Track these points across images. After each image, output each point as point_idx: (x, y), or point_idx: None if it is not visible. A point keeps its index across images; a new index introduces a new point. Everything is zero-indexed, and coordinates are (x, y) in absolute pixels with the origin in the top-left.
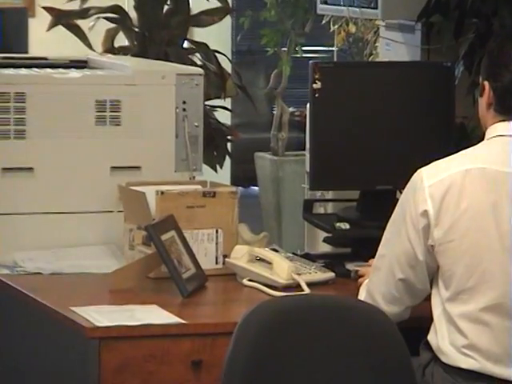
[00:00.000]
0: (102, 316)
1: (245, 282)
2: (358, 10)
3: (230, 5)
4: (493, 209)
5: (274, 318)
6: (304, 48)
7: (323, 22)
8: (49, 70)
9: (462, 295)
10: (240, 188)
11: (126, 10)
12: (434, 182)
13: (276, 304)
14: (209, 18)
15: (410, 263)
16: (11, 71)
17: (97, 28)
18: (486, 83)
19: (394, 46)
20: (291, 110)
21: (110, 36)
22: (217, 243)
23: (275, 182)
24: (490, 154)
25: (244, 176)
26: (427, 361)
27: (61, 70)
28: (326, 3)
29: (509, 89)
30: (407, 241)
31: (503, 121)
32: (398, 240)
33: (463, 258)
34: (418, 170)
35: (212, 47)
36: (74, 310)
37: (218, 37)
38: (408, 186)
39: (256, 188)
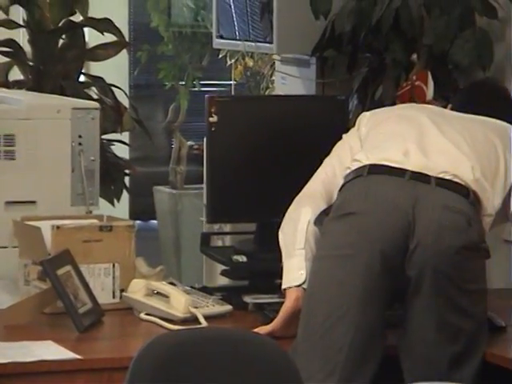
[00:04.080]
0: None
1: (142, 316)
2: (253, 44)
3: (127, 39)
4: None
5: (170, 352)
6: (202, 82)
7: (220, 56)
8: None
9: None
10: (139, 222)
11: (21, 43)
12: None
13: (172, 338)
14: (104, 52)
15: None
16: None
17: None
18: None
19: (290, 80)
20: (190, 143)
21: (4, 70)
22: (114, 277)
23: (174, 215)
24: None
25: (143, 210)
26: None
27: None
28: (222, 38)
29: None
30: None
31: None
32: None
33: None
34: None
35: (109, 81)
36: None
37: (115, 71)
38: None
39: (155, 221)
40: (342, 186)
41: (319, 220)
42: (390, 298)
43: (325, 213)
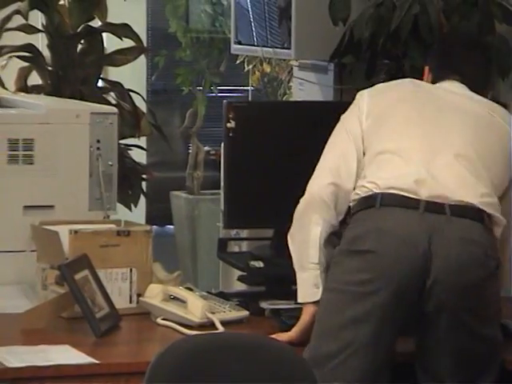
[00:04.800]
0: (13, 357)
1: (159, 321)
2: (271, 50)
3: (145, 44)
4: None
5: (187, 357)
6: (219, 87)
7: (238, 61)
8: None
9: None
10: (155, 227)
11: (40, 48)
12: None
13: (189, 343)
14: (123, 57)
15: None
16: None
17: (10, 67)
18: (427, 68)
19: (308, 86)
20: (206, 148)
21: (23, 75)
22: (131, 282)
23: (191, 220)
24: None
25: (160, 215)
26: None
27: None
28: (239, 43)
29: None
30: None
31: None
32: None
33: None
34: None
35: (127, 86)
36: None
37: (133, 76)
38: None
39: (172, 227)
40: (354, 213)
41: (330, 242)
42: (402, 330)
43: (334, 234)
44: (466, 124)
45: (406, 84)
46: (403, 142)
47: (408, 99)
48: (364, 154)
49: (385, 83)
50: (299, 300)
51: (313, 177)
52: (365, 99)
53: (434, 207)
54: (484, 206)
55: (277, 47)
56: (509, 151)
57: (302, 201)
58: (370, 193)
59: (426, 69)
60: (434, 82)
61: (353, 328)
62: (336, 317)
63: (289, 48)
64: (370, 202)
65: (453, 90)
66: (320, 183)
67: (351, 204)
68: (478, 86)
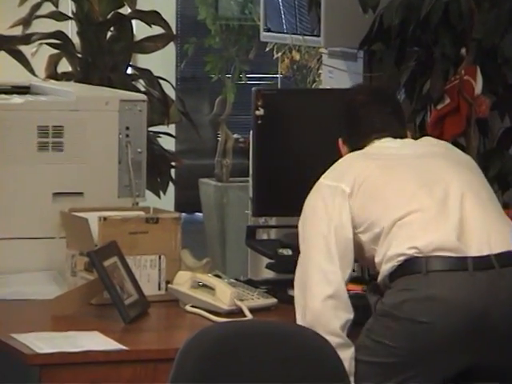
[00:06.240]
0: (43, 343)
1: (187, 308)
2: (300, 37)
3: (174, 31)
4: (387, 164)
5: (216, 344)
6: (248, 75)
7: (267, 49)
8: None
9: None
10: (184, 214)
11: (69, 35)
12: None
13: (217, 330)
14: (152, 44)
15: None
16: None
17: (40, 54)
18: (341, 142)
19: (337, 74)
20: (235, 136)
21: (53, 62)
22: (159, 269)
23: (219, 208)
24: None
25: (188, 202)
26: (375, 300)
27: (3, 95)
28: (269, 31)
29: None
30: (325, 214)
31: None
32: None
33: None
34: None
35: (156, 73)
36: (14, 336)
37: (162, 63)
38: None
39: (200, 214)
40: (395, 278)
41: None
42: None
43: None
44: (446, 164)
45: (360, 159)
46: (414, 202)
47: (380, 167)
48: (361, 230)
49: (335, 168)
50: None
51: (308, 286)
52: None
53: (482, 263)
54: None
55: (306, 34)
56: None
57: (306, 319)
58: (412, 258)
59: (341, 142)
60: (353, 150)
61: None
62: None
63: (318, 35)
64: (415, 268)
65: (397, 144)
66: (318, 300)
67: (388, 271)
68: (403, 132)
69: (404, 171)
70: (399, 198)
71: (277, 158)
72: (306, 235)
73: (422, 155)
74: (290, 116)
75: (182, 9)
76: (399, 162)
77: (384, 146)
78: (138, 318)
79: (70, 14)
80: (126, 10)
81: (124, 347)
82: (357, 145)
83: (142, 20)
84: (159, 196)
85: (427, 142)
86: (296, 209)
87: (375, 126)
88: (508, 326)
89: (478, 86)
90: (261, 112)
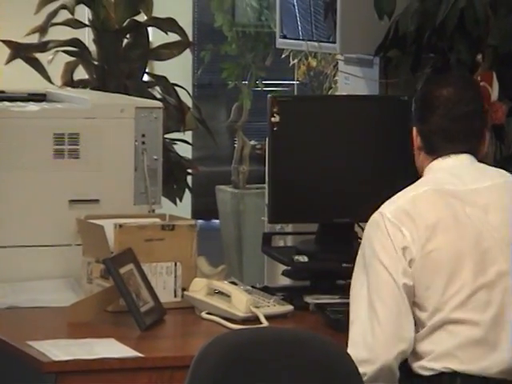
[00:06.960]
0: (59, 350)
1: (203, 315)
2: (316, 44)
3: (191, 38)
4: (454, 220)
5: (231, 351)
6: (265, 82)
7: (283, 55)
8: (7, 104)
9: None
10: (201, 221)
11: (86, 43)
12: (395, 209)
13: (233, 337)
14: (168, 51)
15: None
16: None
17: (56, 61)
18: (414, 128)
19: (353, 80)
20: (252, 143)
21: (69, 69)
22: (175, 276)
23: (236, 215)
24: (437, 178)
25: (205, 209)
26: None
27: (19, 103)
28: (285, 37)
29: (433, 130)
30: (384, 270)
31: (435, 159)
32: (373, 278)
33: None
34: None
35: (172, 80)
36: (30, 344)
37: (179, 70)
38: (369, 225)
39: (217, 221)
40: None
41: None
42: None
43: None
44: (502, 241)
45: (432, 197)
46: (469, 304)
47: (448, 225)
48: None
49: (404, 195)
50: None
51: (372, 333)
52: (397, 231)
53: None
54: None
55: (322, 41)
56: None
57: (366, 372)
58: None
59: (414, 131)
60: (428, 153)
61: None
62: None
63: (334, 42)
64: None
65: (469, 173)
66: (388, 354)
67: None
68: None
69: (463, 237)
70: (453, 288)
71: (293, 165)
72: None
73: (485, 205)
74: (305, 122)
75: (198, 16)
76: (464, 219)
77: (456, 174)
78: (154, 325)
79: (87, 22)
80: (142, 18)
81: (140, 354)
82: (433, 151)
83: (158, 27)
84: (175, 203)
85: (497, 174)
86: (312, 215)
87: (459, 138)
88: None
89: (494, 92)
90: (276, 119)
